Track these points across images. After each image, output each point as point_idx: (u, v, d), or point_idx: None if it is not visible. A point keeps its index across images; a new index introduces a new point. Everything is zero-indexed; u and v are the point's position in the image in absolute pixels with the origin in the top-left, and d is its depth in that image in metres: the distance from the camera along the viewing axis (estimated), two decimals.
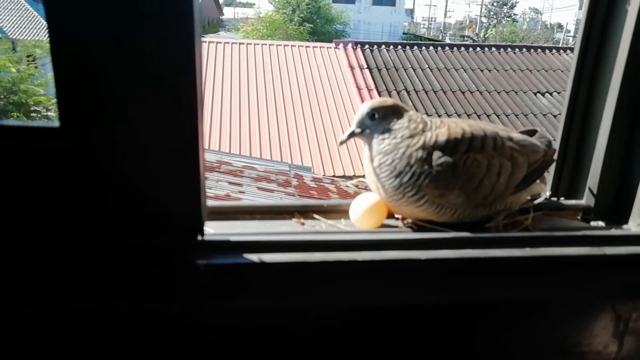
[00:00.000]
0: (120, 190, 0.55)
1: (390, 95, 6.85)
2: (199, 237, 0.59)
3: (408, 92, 6.90)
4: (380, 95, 6.84)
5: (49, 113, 8.12)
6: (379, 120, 0.73)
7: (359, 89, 7.05)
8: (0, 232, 0.56)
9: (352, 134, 0.75)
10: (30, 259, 0.55)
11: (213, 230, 0.68)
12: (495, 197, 0.72)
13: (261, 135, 6.31)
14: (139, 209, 0.56)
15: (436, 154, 0.69)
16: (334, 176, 5.45)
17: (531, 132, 0.83)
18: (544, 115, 6.72)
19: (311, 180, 4.58)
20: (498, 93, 7.04)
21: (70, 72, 0.51)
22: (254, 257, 0.59)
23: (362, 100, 6.83)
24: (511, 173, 0.72)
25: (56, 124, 0.52)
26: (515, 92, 7.06)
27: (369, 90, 6.98)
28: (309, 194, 4.10)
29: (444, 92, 6.93)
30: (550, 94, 7.16)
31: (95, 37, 0.50)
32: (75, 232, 0.56)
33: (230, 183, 3.89)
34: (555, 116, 6.66)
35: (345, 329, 0.65)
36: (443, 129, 0.71)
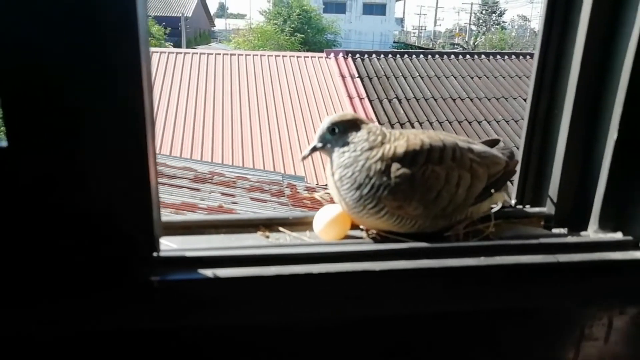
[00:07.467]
0: (71, 209, 0.55)
1: (381, 104, 6.88)
2: (155, 254, 0.60)
3: (399, 100, 6.93)
4: (372, 104, 6.87)
5: None
6: (339, 134, 0.74)
7: (350, 98, 7.08)
8: None
9: (314, 149, 0.76)
10: None
11: (176, 245, 0.68)
12: (455, 208, 0.72)
13: (254, 146, 6.31)
14: (91, 226, 0.56)
15: (394, 166, 0.69)
16: (327, 185, 5.44)
17: (493, 142, 0.84)
18: None
19: (304, 190, 4.58)
20: (488, 100, 7.08)
21: (19, 87, 0.51)
22: (208, 272, 0.59)
23: (354, 109, 6.86)
24: (470, 184, 0.73)
25: (4, 143, 0.52)
26: (505, 99, 7.11)
27: (361, 99, 7.01)
28: (302, 203, 4.09)
29: (435, 100, 6.97)
30: None
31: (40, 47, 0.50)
32: (23, 252, 0.56)
33: (223, 194, 3.88)
34: None
35: (304, 342, 0.65)
36: (402, 140, 0.72)
